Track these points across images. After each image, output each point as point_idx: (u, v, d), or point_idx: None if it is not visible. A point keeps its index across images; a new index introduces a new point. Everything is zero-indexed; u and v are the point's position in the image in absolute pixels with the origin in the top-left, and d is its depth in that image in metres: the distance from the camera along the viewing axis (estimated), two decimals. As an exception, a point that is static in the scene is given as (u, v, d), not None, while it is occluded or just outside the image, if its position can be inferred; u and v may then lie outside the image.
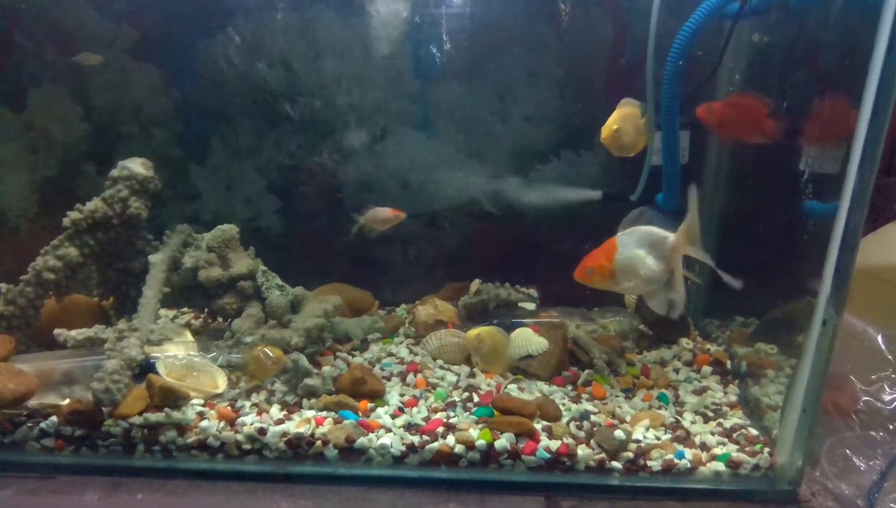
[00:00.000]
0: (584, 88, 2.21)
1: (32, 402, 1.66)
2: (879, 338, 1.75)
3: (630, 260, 1.62)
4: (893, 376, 1.69)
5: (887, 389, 1.68)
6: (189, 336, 1.92)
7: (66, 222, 1.86)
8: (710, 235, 2.23)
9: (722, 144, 2.13)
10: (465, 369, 1.95)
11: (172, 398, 1.68)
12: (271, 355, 1.76)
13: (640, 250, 1.63)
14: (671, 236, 1.63)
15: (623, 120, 1.71)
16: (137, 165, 1.91)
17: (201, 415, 1.67)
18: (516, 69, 2.19)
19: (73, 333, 1.77)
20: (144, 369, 1.72)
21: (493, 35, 2.18)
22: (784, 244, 1.92)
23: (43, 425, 1.63)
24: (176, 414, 1.63)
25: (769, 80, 1.98)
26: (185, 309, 2.26)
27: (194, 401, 1.71)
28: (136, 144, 2.18)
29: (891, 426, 1.62)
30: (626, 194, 2.03)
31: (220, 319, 2.04)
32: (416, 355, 2.02)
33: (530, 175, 2.24)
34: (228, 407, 1.70)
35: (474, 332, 1.86)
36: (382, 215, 1.99)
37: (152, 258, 1.92)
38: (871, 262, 1.87)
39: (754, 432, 1.68)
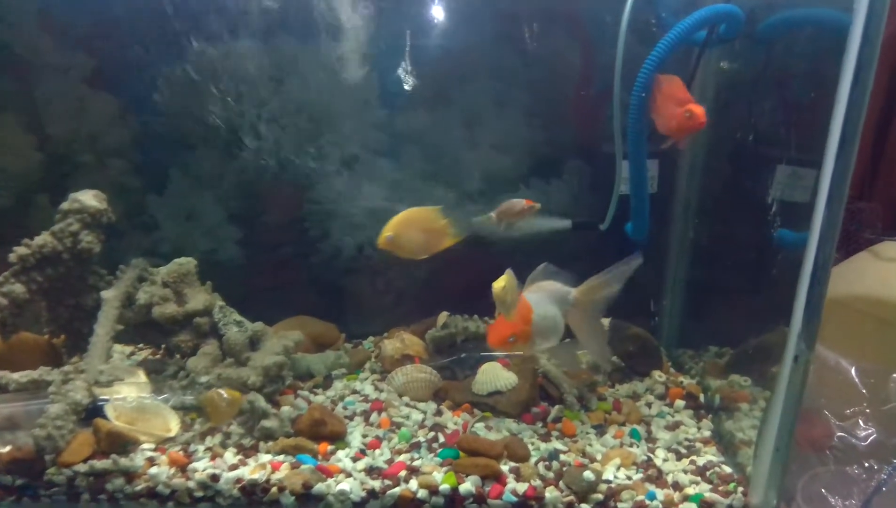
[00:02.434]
0: (552, 115, 2.17)
1: (-30, 450, 1.57)
2: (853, 371, 1.72)
3: (546, 319, 1.56)
4: (868, 410, 1.65)
5: (861, 424, 1.64)
6: (142, 377, 1.83)
7: (12, 257, 1.77)
8: (682, 264, 2.22)
9: (692, 172, 2.11)
10: (431, 406, 1.88)
11: (121, 443, 1.60)
12: (226, 396, 1.68)
13: (551, 306, 1.58)
14: (572, 292, 1.62)
15: (402, 225, 1.70)
16: (89, 198, 1.84)
17: (151, 461, 1.58)
18: (484, 97, 2.15)
19: (16, 375, 1.68)
20: (92, 412, 1.64)
21: (461, 63, 2.14)
22: (756, 273, 1.89)
23: (-19, 474, 1.54)
24: (123, 461, 1.55)
25: (738, 107, 1.96)
26: (143, 345, 2.17)
27: (144, 446, 1.63)
28: (92, 174, 2.10)
29: (866, 464, 1.57)
30: (595, 223, 2.00)
31: (178, 356, 1.95)
32: (381, 391, 1.95)
33: (500, 204, 2.19)
34: (181, 452, 1.62)
35: (500, 284, 1.67)
36: (518, 206, 1.83)
37: (105, 294, 1.84)
38: (844, 292, 1.84)
39: (728, 469, 1.63)
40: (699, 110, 1.55)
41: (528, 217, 1.84)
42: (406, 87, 2.16)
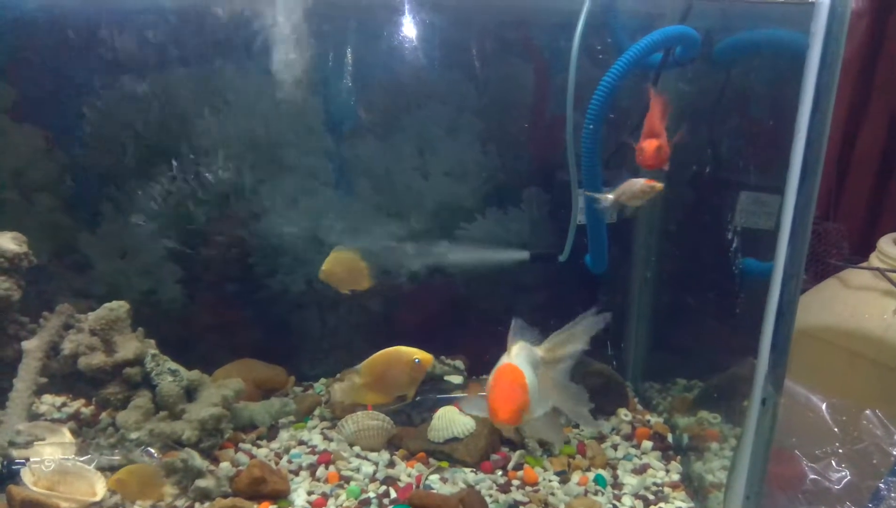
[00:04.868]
0: (508, 142, 2.08)
1: None
2: (824, 407, 1.63)
3: (534, 384, 1.31)
4: (841, 450, 1.56)
5: (834, 465, 1.55)
6: (67, 435, 1.68)
7: (-83, 309, 1.63)
8: (646, 295, 2.13)
9: (653, 200, 2.02)
10: (384, 456, 1.76)
11: (39, 512, 1.45)
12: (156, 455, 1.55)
13: (531, 371, 1.33)
14: (538, 352, 1.40)
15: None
16: (7, 241, 1.70)
17: (71, 532, 1.44)
18: (436, 124, 2.05)
19: (-77, 440, 1.53)
20: (6, 478, 1.49)
21: (412, 89, 2.04)
22: (723, 302, 1.81)
23: None
24: (40, 534, 1.41)
25: (699, 132, 1.89)
26: (74, 397, 2.01)
27: (66, 513, 1.49)
28: (16, 212, 1.95)
29: (840, 509, 1.49)
30: (554, 254, 1.91)
31: (109, 409, 1.81)
32: (330, 441, 1.82)
33: (455, 234, 2.09)
34: (106, 519, 1.48)
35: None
36: (638, 185, 1.56)
37: (26, 345, 1.69)
38: (813, 323, 1.77)
39: (698, 517, 1.54)
40: (649, 151, 1.42)
41: (649, 198, 1.59)
42: (354, 114, 2.05)
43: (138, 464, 1.55)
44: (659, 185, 1.56)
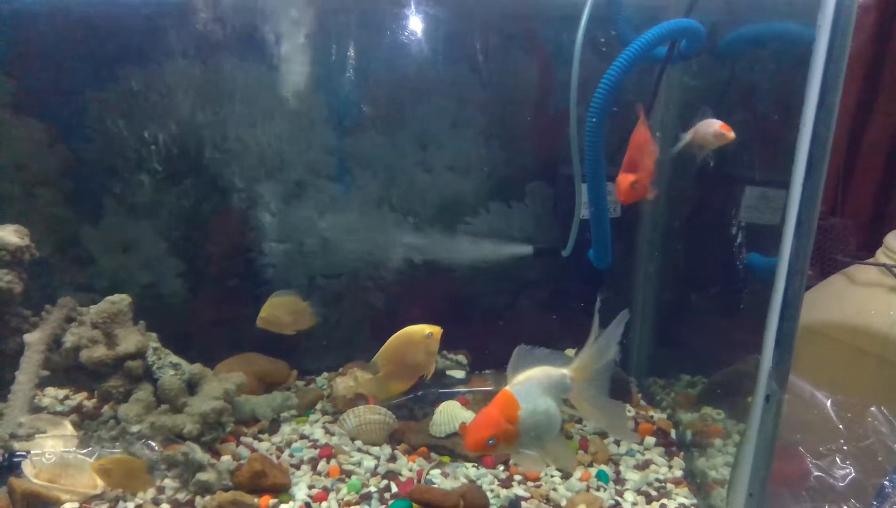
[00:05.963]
0: (512, 136, 2.07)
1: None
2: (829, 404, 1.62)
3: (536, 415, 1.24)
4: (845, 447, 1.55)
5: (839, 462, 1.54)
6: (68, 428, 1.69)
7: (-79, 301, 1.63)
8: (650, 291, 2.12)
9: (658, 194, 2.01)
10: (386, 450, 1.75)
11: (39, 503, 1.46)
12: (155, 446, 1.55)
13: (543, 398, 1.26)
14: (566, 373, 1.31)
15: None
16: (9, 233, 1.70)
17: (72, 524, 1.45)
18: (439, 118, 2.04)
19: (-76, 432, 1.53)
20: (7, 470, 1.50)
21: (415, 83, 2.03)
22: (728, 298, 1.80)
23: None
24: (41, 525, 1.41)
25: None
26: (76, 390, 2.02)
27: (67, 505, 1.49)
28: (18, 205, 1.95)
29: (844, 506, 1.47)
30: (558, 249, 1.90)
31: (111, 402, 1.81)
32: (332, 435, 1.82)
33: (459, 229, 2.08)
34: (107, 511, 1.49)
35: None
36: (714, 127, 1.47)
37: (28, 338, 1.69)
38: (819, 319, 1.75)
39: (700, 514, 1.53)
40: (623, 186, 1.42)
41: (719, 145, 1.51)
42: (357, 108, 2.05)
43: (124, 455, 1.55)
44: (731, 133, 1.49)
